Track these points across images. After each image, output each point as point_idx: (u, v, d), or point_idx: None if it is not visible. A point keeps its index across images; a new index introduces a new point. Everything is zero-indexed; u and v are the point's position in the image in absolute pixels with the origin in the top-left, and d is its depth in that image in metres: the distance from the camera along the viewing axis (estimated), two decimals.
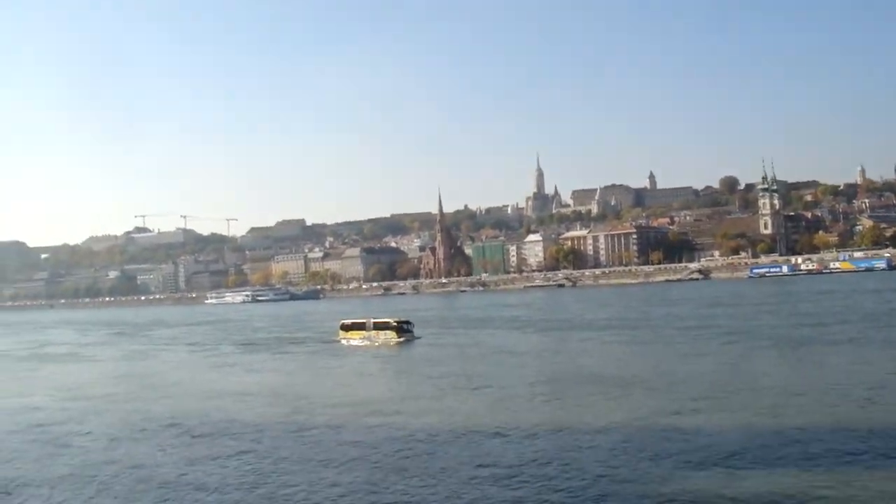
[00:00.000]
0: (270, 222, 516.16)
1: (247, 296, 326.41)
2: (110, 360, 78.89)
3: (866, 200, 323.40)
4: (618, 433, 30.00)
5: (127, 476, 27.69)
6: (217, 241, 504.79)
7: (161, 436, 34.92)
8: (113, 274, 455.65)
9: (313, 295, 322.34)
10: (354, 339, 76.31)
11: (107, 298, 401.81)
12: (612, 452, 27.14)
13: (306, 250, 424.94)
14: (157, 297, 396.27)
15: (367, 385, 49.52)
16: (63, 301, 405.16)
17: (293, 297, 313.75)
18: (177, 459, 29.96)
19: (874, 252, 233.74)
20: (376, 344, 73.25)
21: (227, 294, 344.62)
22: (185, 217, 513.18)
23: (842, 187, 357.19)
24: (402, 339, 74.26)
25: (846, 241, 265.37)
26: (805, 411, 32.14)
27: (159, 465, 29.23)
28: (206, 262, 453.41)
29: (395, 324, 76.78)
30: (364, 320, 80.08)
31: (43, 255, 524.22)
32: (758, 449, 26.51)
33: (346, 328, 79.69)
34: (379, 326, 76.68)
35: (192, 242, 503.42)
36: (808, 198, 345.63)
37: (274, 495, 24.56)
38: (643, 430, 30.29)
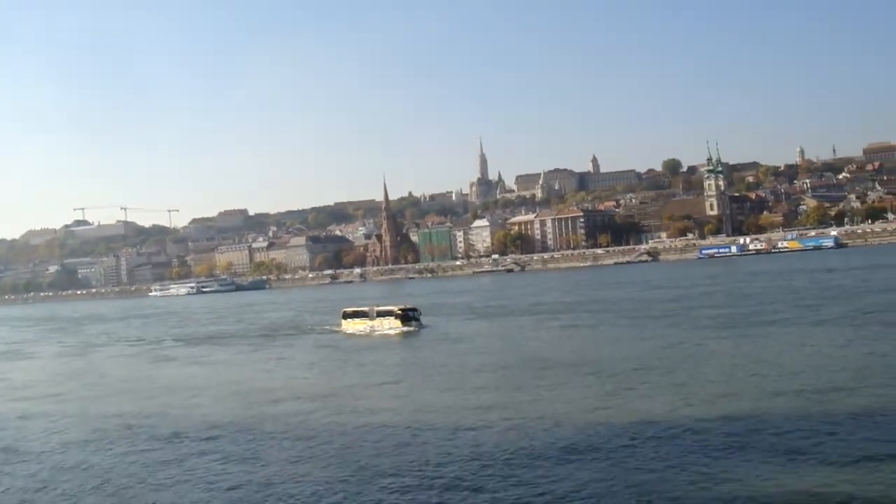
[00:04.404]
0: (212, 213, 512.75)
1: (191, 287, 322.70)
2: (54, 357, 76.46)
3: (807, 181, 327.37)
4: (603, 424, 28.69)
5: (89, 486, 25.62)
6: (158, 232, 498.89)
7: (134, 438, 32.55)
8: (53, 268, 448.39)
9: (259, 285, 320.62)
10: (356, 327, 73.31)
11: (47, 293, 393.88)
12: (596, 442, 25.92)
13: (250, 240, 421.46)
14: (100, 290, 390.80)
15: (343, 377, 46.83)
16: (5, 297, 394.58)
17: (239, 288, 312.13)
18: (150, 464, 27.88)
19: (820, 231, 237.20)
20: (378, 333, 69.94)
21: (172, 286, 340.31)
22: (125, 209, 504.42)
23: (782, 168, 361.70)
24: (408, 328, 70.14)
25: (790, 220, 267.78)
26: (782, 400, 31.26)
27: (124, 473, 26.87)
28: (147, 255, 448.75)
29: (399, 311, 72.61)
30: (367, 308, 76.67)
31: None
32: (723, 436, 25.58)
33: (347, 316, 76.36)
34: (382, 314, 73.02)
35: (133, 234, 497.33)
36: (750, 179, 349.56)
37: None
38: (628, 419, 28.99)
